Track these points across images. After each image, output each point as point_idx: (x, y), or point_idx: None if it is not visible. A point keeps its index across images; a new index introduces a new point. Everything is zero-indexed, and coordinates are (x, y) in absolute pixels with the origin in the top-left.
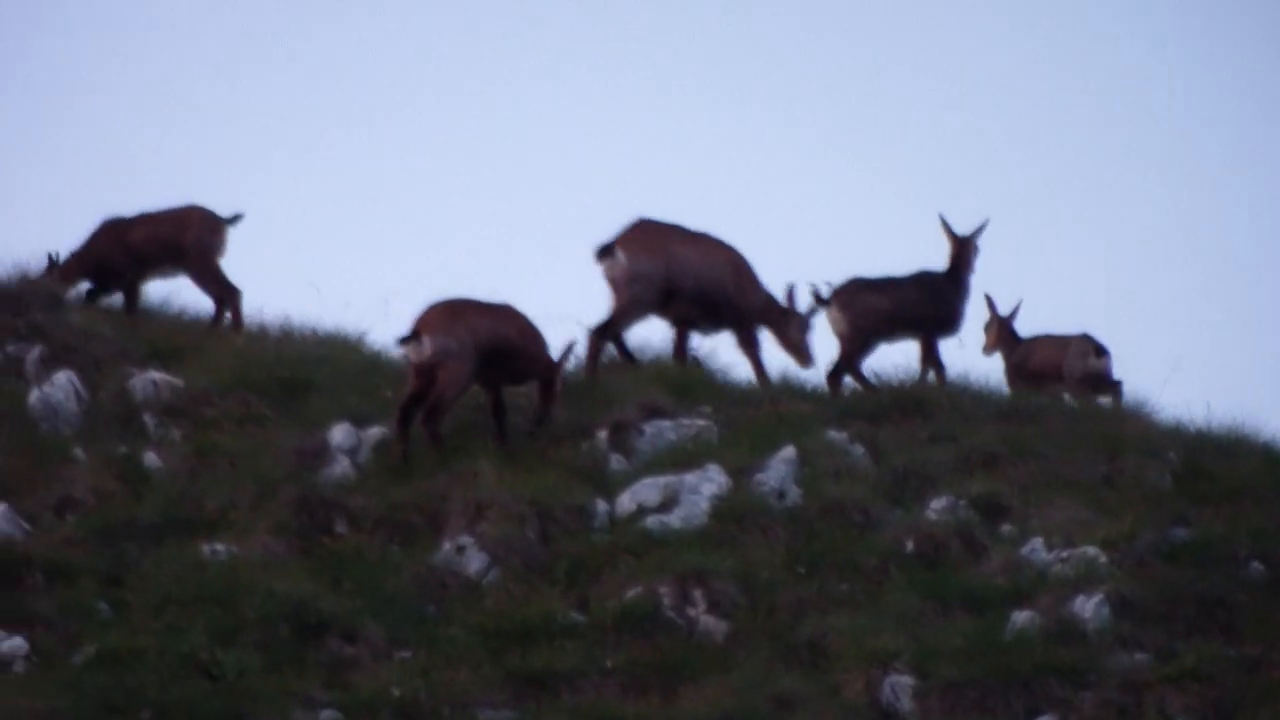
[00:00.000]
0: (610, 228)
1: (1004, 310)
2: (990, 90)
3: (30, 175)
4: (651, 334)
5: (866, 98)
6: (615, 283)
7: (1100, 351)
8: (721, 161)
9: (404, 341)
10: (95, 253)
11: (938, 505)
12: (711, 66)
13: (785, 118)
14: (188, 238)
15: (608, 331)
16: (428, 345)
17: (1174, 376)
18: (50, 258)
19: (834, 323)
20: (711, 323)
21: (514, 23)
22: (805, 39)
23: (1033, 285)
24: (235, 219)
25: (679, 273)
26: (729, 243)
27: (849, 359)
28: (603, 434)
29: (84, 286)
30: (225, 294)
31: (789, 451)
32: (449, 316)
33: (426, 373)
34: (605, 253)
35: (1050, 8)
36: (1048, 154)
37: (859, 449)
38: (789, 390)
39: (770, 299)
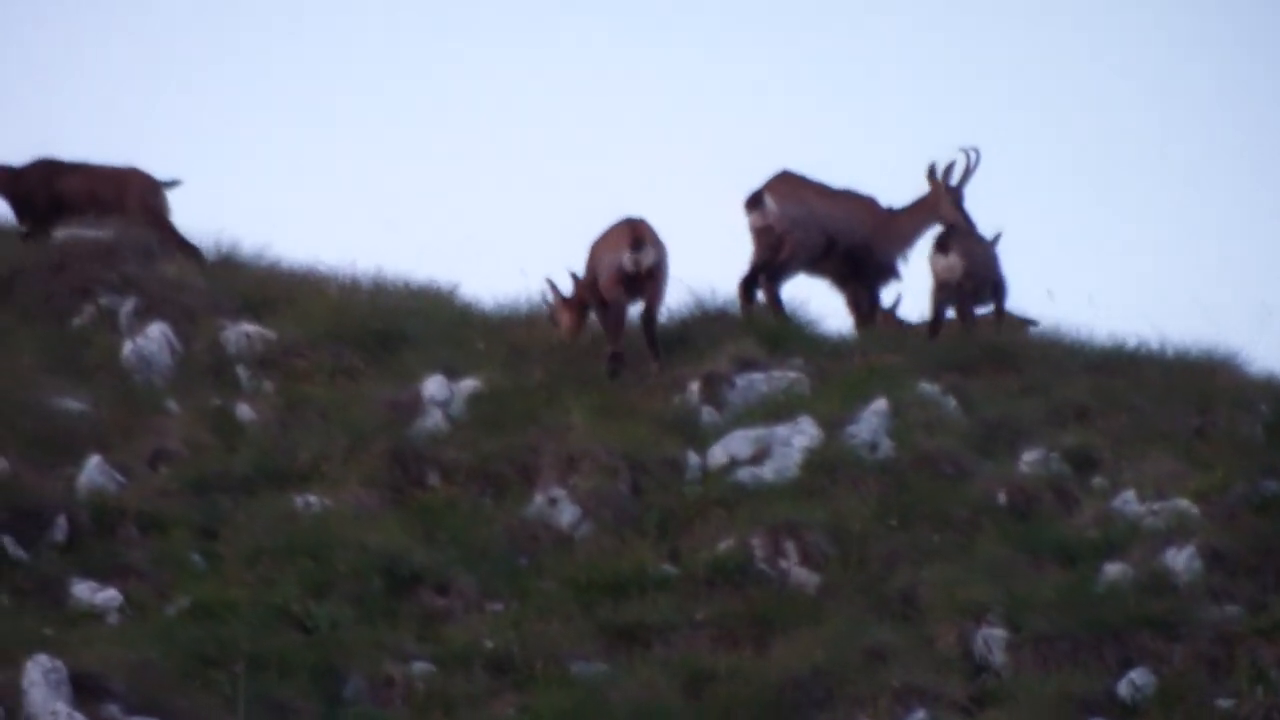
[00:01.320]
0: (736, 179)
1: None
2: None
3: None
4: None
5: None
6: (767, 232)
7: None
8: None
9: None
10: (12, 182)
11: (1029, 457)
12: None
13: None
14: (129, 200)
15: (766, 279)
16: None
17: (1265, 328)
18: None
19: (949, 270)
20: (857, 278)
21: None
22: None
23: (1118, 240)
24: (173, 183)
25: (831, 226)
26: (869, 195)
27: (962, 306)
28: (694, 386)
29: None
30: (183, 250)
31: (880, 404)
32: (650, 231)
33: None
34: (754, 202)
35: None
36: (1135, 101)
37: (951, 401)
38: (880, 342)
39: (915, 216)
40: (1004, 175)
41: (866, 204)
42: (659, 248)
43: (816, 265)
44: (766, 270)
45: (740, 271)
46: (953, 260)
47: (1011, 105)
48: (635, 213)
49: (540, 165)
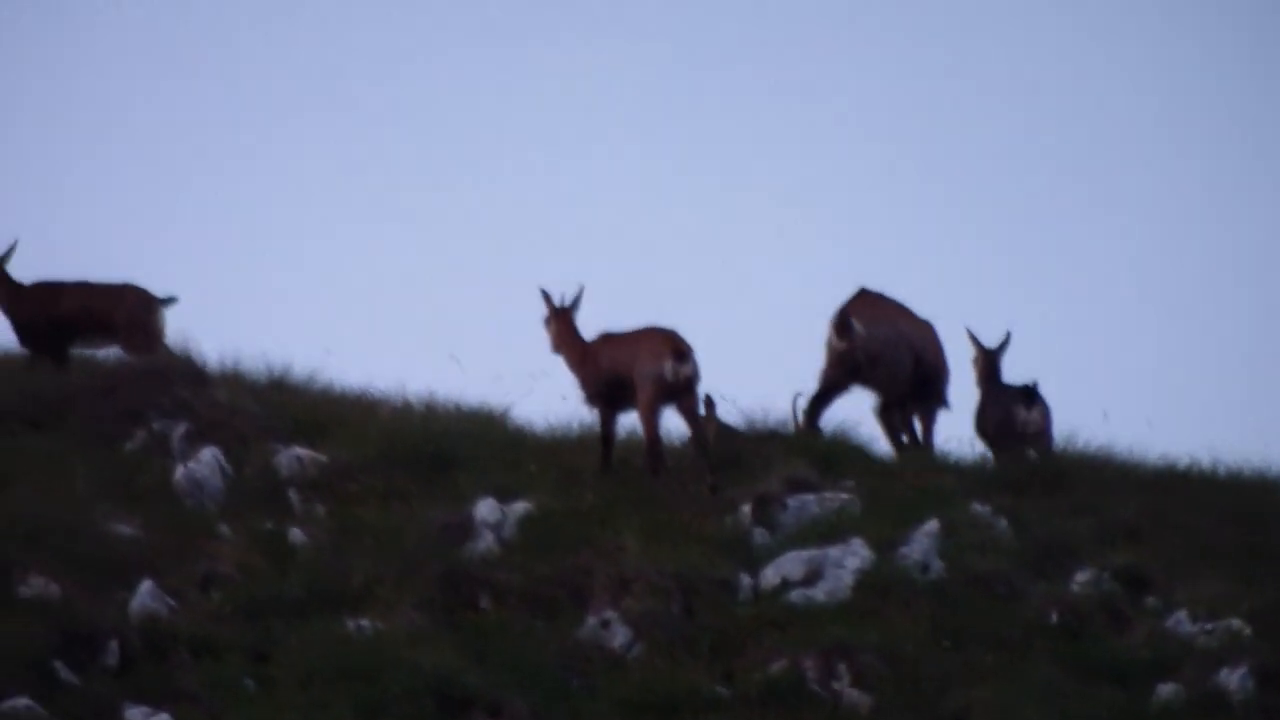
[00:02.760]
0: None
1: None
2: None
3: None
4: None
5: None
6: (848, 355)
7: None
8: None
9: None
10: (17, 309)
11: (1081, 577)
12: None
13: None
14: (119, 316)
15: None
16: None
17: None
18: None
19: (1035, 425)
20: (917, 400)
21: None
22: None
23: (1171, 360)
24: (170, 300)
25: (917, 346)
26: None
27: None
28: (746, 507)
29: None
30: None
31: (932, 524)
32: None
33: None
34: (842, 327)
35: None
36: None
37: (1002, 521)
38: (931, 463)
39: None
40: (1058, 296)
41: (931, 326)
42: (694, 359)
43: (893, 386)
44: (838, 391)
45: (796, 391)
46: (1036, 415)
47: (1067, 227)
48: (663, 323)
49: (590, 287)
